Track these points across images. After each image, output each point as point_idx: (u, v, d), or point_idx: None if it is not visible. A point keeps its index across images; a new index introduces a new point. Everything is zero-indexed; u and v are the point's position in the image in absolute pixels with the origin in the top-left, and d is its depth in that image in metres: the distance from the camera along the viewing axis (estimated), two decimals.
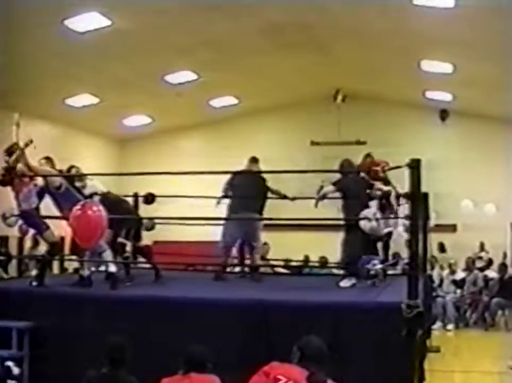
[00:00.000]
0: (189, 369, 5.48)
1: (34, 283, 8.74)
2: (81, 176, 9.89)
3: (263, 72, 17.76)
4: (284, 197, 11.13)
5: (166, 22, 13.53)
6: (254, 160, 11.03)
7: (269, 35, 14.97)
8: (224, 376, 5.55)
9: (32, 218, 8.97)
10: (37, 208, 8.96)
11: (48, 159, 9.31)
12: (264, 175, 10.79)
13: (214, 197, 11.23)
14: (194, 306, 7.48)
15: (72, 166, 10.10)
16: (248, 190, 10.53)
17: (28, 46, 13.63)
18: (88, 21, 13.22)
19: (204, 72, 17.19)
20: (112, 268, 8.91)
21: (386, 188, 10.32)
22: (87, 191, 9.64)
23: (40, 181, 9.03)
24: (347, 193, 9.52)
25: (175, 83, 17.56)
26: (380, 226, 9.71)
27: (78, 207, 8.00)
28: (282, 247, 15.13)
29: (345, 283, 9.15)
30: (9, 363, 4.45)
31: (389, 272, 10.80)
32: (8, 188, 8.95)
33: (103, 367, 5.64)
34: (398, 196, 10.54)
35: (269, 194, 10.84)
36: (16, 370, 4.53)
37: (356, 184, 9.78)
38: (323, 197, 9.84)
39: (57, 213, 9.02)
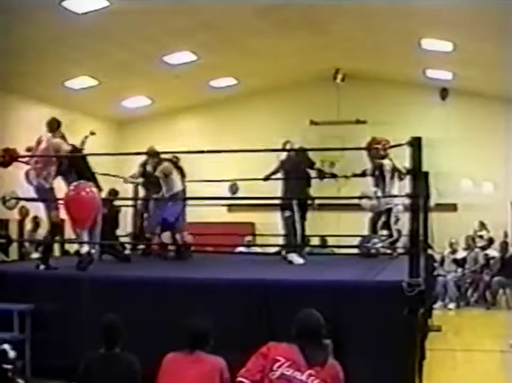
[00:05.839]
0: (193, 345, 5.46)
1: (41, 267, 8.66)
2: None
3: (262, 52, 17.65)
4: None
5: (164, 3, 13.42)
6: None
7: (267, 15, 14.85)
8: (224, 355, 5.55)
9: (46, 195, 8.86)
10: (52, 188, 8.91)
11: None
12: None
13: (213, 181, 11.18)
14: (193, 286, 7.48)
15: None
16: None
17: (26, 27, 13.53)
18: (85, 2, 13.13)
19: (203, 53, 17.07)
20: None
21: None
22: None
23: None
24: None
25: (174, 64, 17.44)
26: (381, 203, 9.76)
27: (71, 188, 7.97)
28: None
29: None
30: (5, 346, 4.33)
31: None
32: (8, 170, 8.92)
33: (101, 347, 5.64)
34: (399, 173, 10.57)
35: None
36: (12, 353, 4.41)
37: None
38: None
39: None
